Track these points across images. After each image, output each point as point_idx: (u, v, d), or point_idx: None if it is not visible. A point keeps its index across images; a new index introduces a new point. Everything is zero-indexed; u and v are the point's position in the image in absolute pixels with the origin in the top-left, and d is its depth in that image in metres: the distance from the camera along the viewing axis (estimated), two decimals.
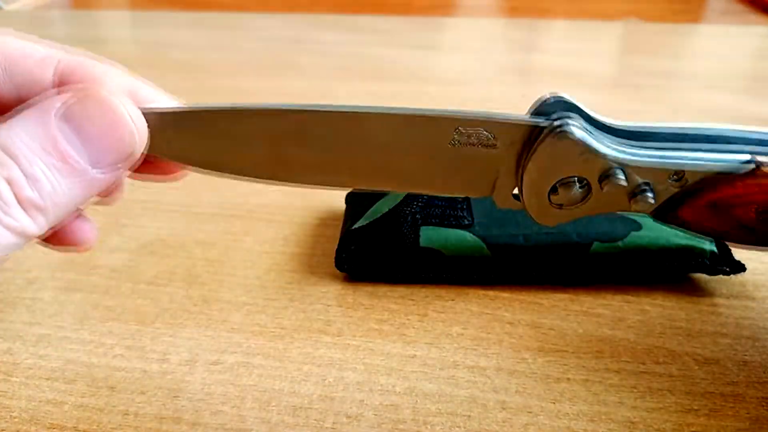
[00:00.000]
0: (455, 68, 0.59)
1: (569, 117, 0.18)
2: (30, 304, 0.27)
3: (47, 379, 0.23)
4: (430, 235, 0.28)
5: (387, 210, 0.28)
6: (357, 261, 0.28)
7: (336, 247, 0.28)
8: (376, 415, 0.22)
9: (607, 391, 0.23)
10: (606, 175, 0.18)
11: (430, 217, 0.29)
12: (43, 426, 0.21)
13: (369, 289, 0.28)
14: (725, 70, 0.58)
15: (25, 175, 0.14)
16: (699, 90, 0.53)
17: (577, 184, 0.18)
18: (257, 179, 0.18)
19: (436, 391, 0.23)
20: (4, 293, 0.28)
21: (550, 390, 0.23)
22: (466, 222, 0.29)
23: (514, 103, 0.54)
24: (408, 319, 0.26)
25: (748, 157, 0.18)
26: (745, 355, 0.24)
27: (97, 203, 0.19)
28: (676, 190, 0.18)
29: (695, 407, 0.22)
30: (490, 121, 0.17)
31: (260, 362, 0.24)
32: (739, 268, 0.27)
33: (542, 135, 0.17)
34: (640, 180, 0.18)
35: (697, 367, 0.24)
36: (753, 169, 0.18)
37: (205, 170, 0.18)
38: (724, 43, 0.67)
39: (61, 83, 0.16)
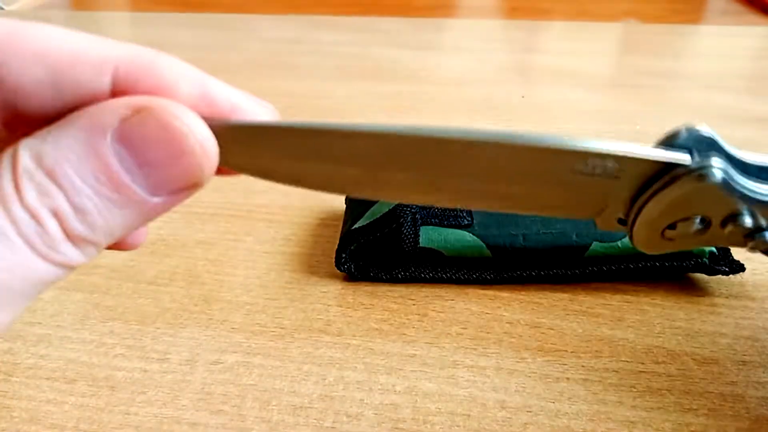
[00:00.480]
0: (455, 69, 0.59)
1: (711, 158, 0.16)
2: (30, 304, 0.27)
3: (48, 378, 0.23)
4: (430, 235, 0.28)
5: (387, 210, 0.28)
6: (357, 261, 0.28)
7: (336, 247, 0.28)
8: (376, 414, 0.22)
9: (607, 391, 0.23)
10: (732, 216, 0.17)
11: (429, 217, 0.29)
12: (43, 426, 0.21)
13: (369, 288, 0.28)
14: (725, 71, 0.58)
15: (73, 207, 0.12)
16: (698, 90, 0.53)
17: (698, 222, 0.17)
18: (344, 194, 0.17)
19: (435, 390, 0.23)
20: None
21: (550, 389, 0.23)
22: (466, 222, 0.29)
23: (514, 104, 0.55)
24: (408, 319, 0.26)
25: None
26: (744, 355, 0.24)
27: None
28: None
29: (694, 407, 0.22)
30: (622, 156, 0.16)
31: (260, 362, 0.24)
32: (738, 268, 0.27)
33: (679, 175, 0.16)
34: (764, 223, 0.17)
35: (696, 367, 0.24)
36: None
37: (285, 183, 0.16)
38: (724, 43, 0.67)
39: (120, 93, 0.13)
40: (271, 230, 0.32)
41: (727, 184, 0.16)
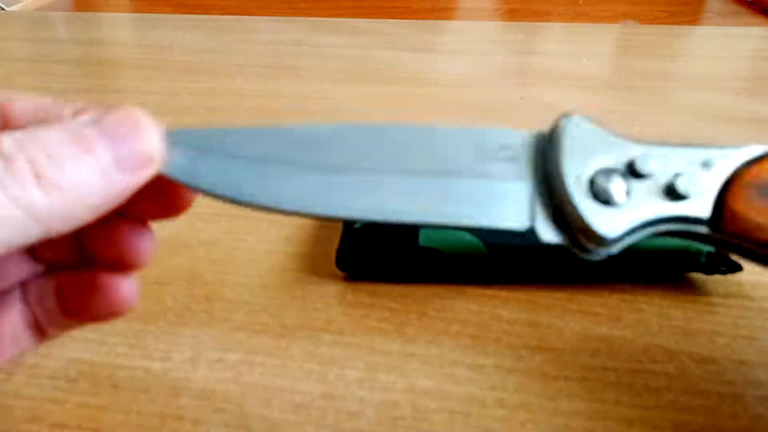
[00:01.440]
0: (454, 71, 0.59)
1: (574, 114, 0.18)
2: None
3: (50, 377, 0.23)
4: (429, 234, 0.28)
5: None
6: (357, 260, 0.28)
7: (337, 247, 0.29)
8: (376, 412, 0.22)
9: (605, 389, 0.23)
10: (633, 161, 0.18)
11: None
12: (45, 425, 0.22)
13: (369, 288, 0.28)
14: (723, 72, 0.58)
15: (47, 155, 0.13)
16: (696, 91, 0.53)
17: (609, 172, 0.18)
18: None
19: (435, 388, 0.23)
20: None
21: (548, 388, 0.23)
22: None
23: (513, 105, 0.55)
24: (407, 318, 0.26)
25: (762, 149, 0.18)
26: (742, 354, 0.25)
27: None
28: (710, 179, 0.18)
29: (692, 406, 0.22)
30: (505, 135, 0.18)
31: (262, 360, 0.24)
32: (736, 267, 0.28)
33: (553, 130, 0.18)
34: (671, 170, 0.17)
35: (694, 366, 0.24)
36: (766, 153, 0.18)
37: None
38: (722, 44, 0.68)
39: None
40: (272, 230, 0.33)
41: (605, 128, 0.18)
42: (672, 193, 0.17)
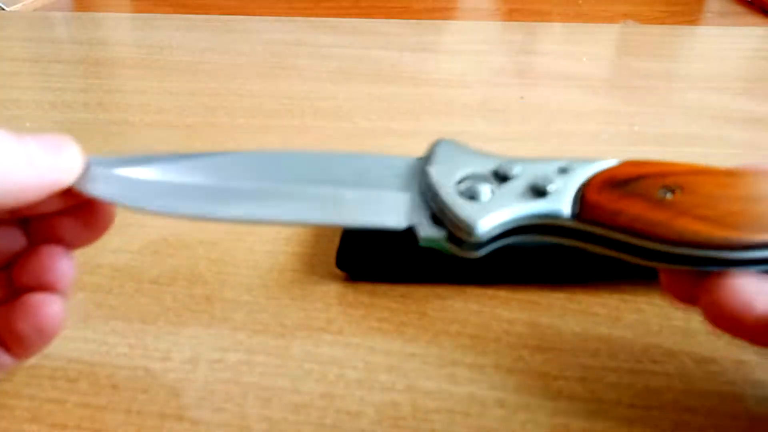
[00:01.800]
0: (455, 71, 0.59)
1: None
2: None
3: (49, 378, 0.23)
4: None
5: None
6: (357, 261, 0.28)
7: (337, 246, 0.29)
8: (376, 412, 0.22)
9: (604, 390, 0.23)
10: (498, 168, 0.20)
11: None
12: (45, 425, 0.22)
13: (369, 288, 0.28)
14: (723, 72, 0.58)
15: None
16: (697, 91, 0.53)
17: (476, 177, 0.20)
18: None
19: (435, 388, 0.23)
20: None
21: (548, 388, 0.23)
22: None
23: (514, 105, 0.55)
24: (407, 318, 0.26)
25: (616, 160, 0.20)
26: (742, 354, 0.25)
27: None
28: (568, 180, 0.20)
29: (692, 406, 0.22)
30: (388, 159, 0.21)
31: (262, 360, 0.24)
32: None
33: (429, 150, 0.21)
34: (532, 174, 0.20)
35: (694, 366, 0.24)
36: (620, 162, 0.20)
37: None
38: (722, 44, 0.68)
39: None
40: (272, 230, 0.33)
41: (471, 147, 0.22)
42: (535, 191, 0.19)
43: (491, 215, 0.19)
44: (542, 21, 0.79)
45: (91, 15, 0.81)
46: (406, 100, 0.50)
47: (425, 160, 0.21)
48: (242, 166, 0.21)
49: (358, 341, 0.25)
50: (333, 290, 0.28)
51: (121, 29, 0.74)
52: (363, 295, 0.28)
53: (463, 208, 0.19)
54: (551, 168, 0.20)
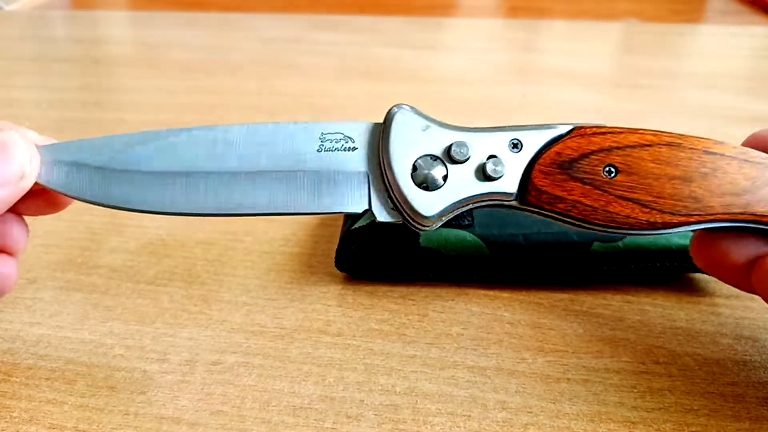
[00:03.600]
0: (455, 68, 0.59)
1: (403, 105, 0.21)
2: (30, 304, 0.27)
3: (47, 379, 0.23)
4: (430, 235, 0.28)
5: None
6: (357, 261, 0.28)
7: (336, 247, 0.28)
8: (376, 415, 0.22)
9: (607, 391, 0.23)
10: (451, 148, 0.21)
11: None
12: (43, 426, 0.21)
13: (369, 289, 0.28)
14: (725, 70, 0.58)
15: None
16: (698, 90, 0.53)
17: (430, 159, 0.21)
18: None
19: (436, 391, 0.23)
20: None
21: (550, 390, 0.23)
22: (466, 222, 0.29)
23: (515, 103, 0.55)
24: (408, 319, 0.26)
25: (570, 126, 0.21)
26: (745, 355, 0.24)
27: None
28: (518, 159, 0.21)
29: (695, 407, 0.22)
30: (346, 127, 0.21)
31: (260, 362, 0.24)
32: None
33: (385, 121, 0.21)
34: (484, 153, 0.21)
35: (697, 367, 0.24)
36: (572, 129, 0.21)
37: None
38: (724, 43, 0.67)
39: None
40: (270, 230, 0.32)
41: (425, 117, 0.21)
42: (484, 174, 0.21)
43: (443, 202, 0.20)
44: (544, 18, 0.78)
45: (88, 13, 0.81)
46: (406, 97, 0.50)
47: (381, 132, 0.21)
48: (193, 149, 0.21)
49: (358, 343, 0.25)
50: (332, 291, 0.28)
51: (118, 27, 0.74)
52: (362, 296, 0.28)
53: (418, 199, 0.20)
54: (503, 142, 0.21)
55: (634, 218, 0.21)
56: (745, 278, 0.21)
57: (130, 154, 0.21)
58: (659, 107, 0.49)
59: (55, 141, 0.22)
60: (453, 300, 0.27)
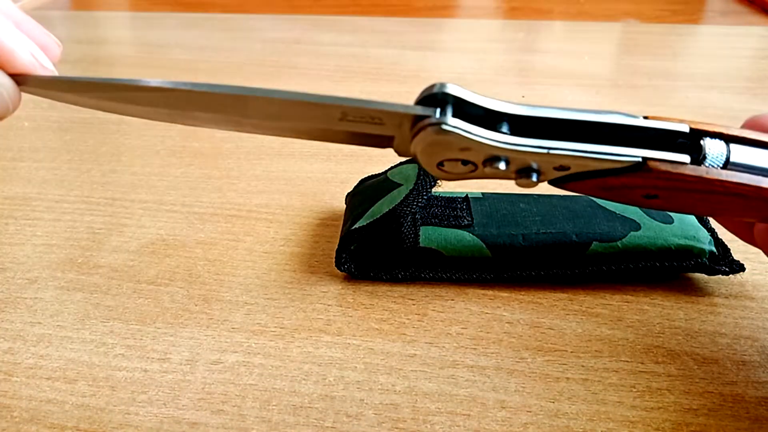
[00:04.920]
0: (455, 69, 0.59)
1: (448, 115, 0.18)
2: (31, 304, 0.27)
3: (48, 378, 0.23)
4: (430, 235, 0.28)
5: (387, 210, 0.28)
6: (357, 261, 0.28)
7: (336, 247, 0.29)
8: (376, 414, 0.22)
9: (606, 391, 0.23)
10: (488, 161, 0.18)
11: (429, 217, 0.29)
12: (44, 425, 0.21)
13: (369, 288, 0.28)
14: (724, 71, 0.58)
15: None
16: (698, 90, 0.53)
17: (461, 164, 0.19)
18: (165, 122, 0.20)
19: (435, 390, 0.23)
20: (4, 293, 0.28)
21: (549, 389, 0.23)
22: (466, 222, 0.29)
23: None
24: (408, 319, 0.26)
25: (638, 159, 0.18)
26: (744, 355, 0.24)
27: None
28: (562, 175, 0.19)
29: (694, 407, 0.22)
30: (374, 109, 0.18)
31: (261, 361, 0.24)
32: (738, 268, 0.27)
33: (419, 128, 0.18)
34: (524, 163, 0.18)
35: (696, 367, 0.24)
36: (639, 164, 0.18)
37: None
38: (724, 43, 0.67)
39: None
40: (271, 230, 0.32)
41: (465, 136, 0.18)
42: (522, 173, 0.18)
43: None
44: (543, 19, 0.78)
45: (89, 14, 0.81)
46: (406, 98, 0.50)
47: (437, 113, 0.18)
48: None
49: (358, 342, 0.25)
50: (332, 291, 0.28)
51: (119, 28, 0.74)
52: (363, 295, 0.28)
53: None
54: (548, 163, 0.18)
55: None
56: None
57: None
58: (659, 107, 0.49)
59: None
60: (452, 300, 0.27)
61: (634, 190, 0.19)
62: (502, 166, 0.18)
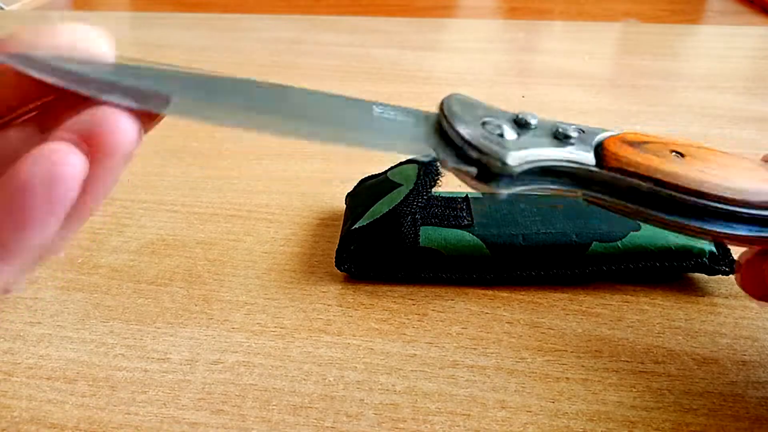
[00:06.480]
0: (455, 69, 0.59)
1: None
2: (31, 304, 0.27)
3: (48, 378, 0.23)
4: (430, 234, 0.28)
5: (387, 210, 0.28)
6: (357, 261, 0.28)
7: (336, 247, 0.29)
8: (376, 414, 0.22)
9: (606, 391, 0.23)
10: (520, 119, 0.20)
11: (429, 217, 0.29)
12: (44, 425, 0.21)
13: (369, 288, 0.28)
14: (724, 71, 0.58)
15: None
16: (698, 90, 0.53)
17: (501, 124, 0.19)
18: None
19: (435, 390, 0.23)
20: None
21: (549, 389, 0.23)
22: (466, 222, 0.29)
23: (514, 104, 0.54)
24: (408, 319, 0.26)
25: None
26: (744, 355, 0.24)
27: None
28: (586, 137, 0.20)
29: (694, 407, 0.22)
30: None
31: (261, 361, 0.24)
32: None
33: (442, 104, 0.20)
34: (553, 127, 0.20)
35: (695, 367, 0.24)
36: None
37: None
38: (723, 43, 0.67)
39: None
40: (271, 230, 0.32)
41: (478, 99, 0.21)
42: (557, 136, 0.19)
43: (521, 151, 0.19)
44: (543, 19, 0.78)
45: (89, 14, 0.81)
46: (406, 98, 0.50)
47: (440, 110, 0.20)
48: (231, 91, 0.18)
49: (358, 342, 0.25)
50: (332, 291, 0.28)
51: (119, 28, 0.74)
52: (363, 295, 0.28)
53: (493, 143, 0.19)
54: (568, 126, 0.20)
55: (724, 188, 0.18)
56: None
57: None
58: (659, 107, 0.49)
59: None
60: (452, 300, 0.27)
61: (660, 148, 0.20)
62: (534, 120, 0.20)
